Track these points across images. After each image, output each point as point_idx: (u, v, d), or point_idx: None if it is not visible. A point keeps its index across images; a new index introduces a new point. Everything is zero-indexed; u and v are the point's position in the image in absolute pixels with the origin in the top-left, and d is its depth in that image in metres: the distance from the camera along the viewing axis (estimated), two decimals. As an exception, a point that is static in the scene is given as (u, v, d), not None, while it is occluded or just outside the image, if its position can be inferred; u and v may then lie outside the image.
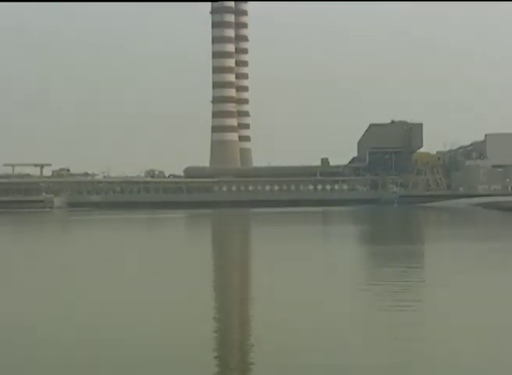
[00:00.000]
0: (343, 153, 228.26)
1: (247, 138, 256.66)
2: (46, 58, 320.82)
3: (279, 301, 33.85)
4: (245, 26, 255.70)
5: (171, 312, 30.96)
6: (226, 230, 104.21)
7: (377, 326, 27.05)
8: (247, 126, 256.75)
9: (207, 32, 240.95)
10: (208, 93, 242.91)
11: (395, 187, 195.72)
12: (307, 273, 46.03)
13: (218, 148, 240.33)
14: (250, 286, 42.34)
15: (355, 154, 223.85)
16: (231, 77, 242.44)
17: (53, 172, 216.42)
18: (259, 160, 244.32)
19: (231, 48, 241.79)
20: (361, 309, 31.11)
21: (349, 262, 52.44)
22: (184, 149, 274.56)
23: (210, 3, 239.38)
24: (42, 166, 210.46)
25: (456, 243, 68.53)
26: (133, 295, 35.90)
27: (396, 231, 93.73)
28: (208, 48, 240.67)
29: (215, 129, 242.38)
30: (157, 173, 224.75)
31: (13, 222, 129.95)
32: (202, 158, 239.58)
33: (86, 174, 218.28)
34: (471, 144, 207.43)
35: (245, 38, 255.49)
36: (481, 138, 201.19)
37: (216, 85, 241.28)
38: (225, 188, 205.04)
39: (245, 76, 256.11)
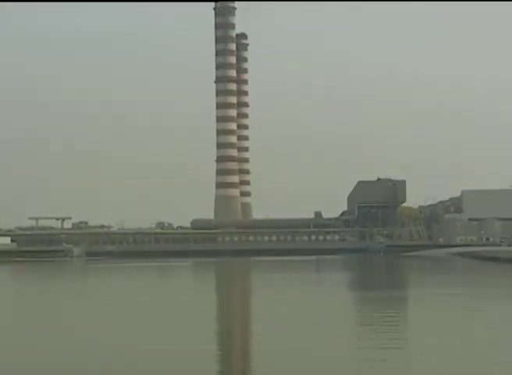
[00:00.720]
0: (334, 207, 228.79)
1: (247, 193, 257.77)
2: (66, 118, 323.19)
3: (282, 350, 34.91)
4: (246, 93, 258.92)
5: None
6: (231, 277, 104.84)
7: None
8: (247, 183, 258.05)
9: (211, 98, 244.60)
10: (212, 153, 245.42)
11: (381, 238, 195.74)
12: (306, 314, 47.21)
13: (221, 202, 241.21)
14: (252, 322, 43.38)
15: (345, 208, 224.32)
16: (233, 139, 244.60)
17: (73, 224, 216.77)
18: (258, 213, 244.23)
19: (233, 112, 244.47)
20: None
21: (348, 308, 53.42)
22: (191, 203, 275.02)
23: (214, 73, 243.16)
24: (63, 219, 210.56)
25: (438, 289, 69.47)
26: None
27: (382, 278, 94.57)
28: (212, 112, 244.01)
29: (219, 185, 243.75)
30: (166, 225, 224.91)
31: (39, 270, 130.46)
32: (207, 212, 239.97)
33: (102, 226, 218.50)
34: (449, 200, 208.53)
35: (246, 104, 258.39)
36: (458, 194, 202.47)
37: (220, 146, 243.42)
38: (228, 239, 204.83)
39: (246, 137, 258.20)
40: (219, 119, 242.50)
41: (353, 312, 50.97)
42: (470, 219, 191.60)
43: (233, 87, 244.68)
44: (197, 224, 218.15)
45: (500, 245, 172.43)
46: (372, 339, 35.92)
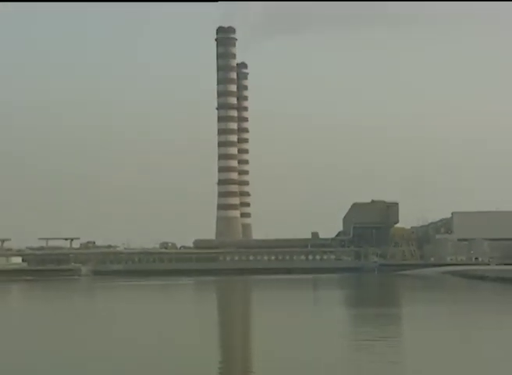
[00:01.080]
0: (330, 228, 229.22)
1: (247, 215, 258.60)
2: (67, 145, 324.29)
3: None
4: (246, 119, 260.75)
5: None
6: (234, 294, 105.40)
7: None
8: (247, 205, 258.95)
9: (213, 125, 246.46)
10: (214, 176, 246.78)
11: (375, 257, 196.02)
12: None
13: (222, 223, 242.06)
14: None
15: (341, 228, 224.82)
16: (234, 163, 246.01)
17: (81, 244, 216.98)
18: (258, 233, 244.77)
19: (234, 138, 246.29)
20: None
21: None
22: (193, 224, 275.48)
23: (216, 102, 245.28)
24: (71, 240, 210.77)
25: (430, 306, 70.27)
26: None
27: (379, 296, 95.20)
28: (214, 138, 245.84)
29: (220, 207, 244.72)
30: (170, 244, 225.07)
31: (51, 288, 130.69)
32: (209, 232, 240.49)
33: (109, 246, 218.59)
34: (440, 221, 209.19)
35: (246, 130, 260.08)
36: (449, 215, 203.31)
37: (221, 169, 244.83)
38: (229, 258, 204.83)
39: (245, 161, 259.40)
40: (220, 144, 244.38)
41: (355, 328, 51.73)
42: (459, 240, 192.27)
43: (234, 113, 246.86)
44: (200, 244, 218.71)
45: (489, 264, 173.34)
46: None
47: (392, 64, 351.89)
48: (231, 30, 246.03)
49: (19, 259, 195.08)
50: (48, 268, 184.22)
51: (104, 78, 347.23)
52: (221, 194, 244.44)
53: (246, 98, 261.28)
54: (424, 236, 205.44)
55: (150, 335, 45.92)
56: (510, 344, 41.04)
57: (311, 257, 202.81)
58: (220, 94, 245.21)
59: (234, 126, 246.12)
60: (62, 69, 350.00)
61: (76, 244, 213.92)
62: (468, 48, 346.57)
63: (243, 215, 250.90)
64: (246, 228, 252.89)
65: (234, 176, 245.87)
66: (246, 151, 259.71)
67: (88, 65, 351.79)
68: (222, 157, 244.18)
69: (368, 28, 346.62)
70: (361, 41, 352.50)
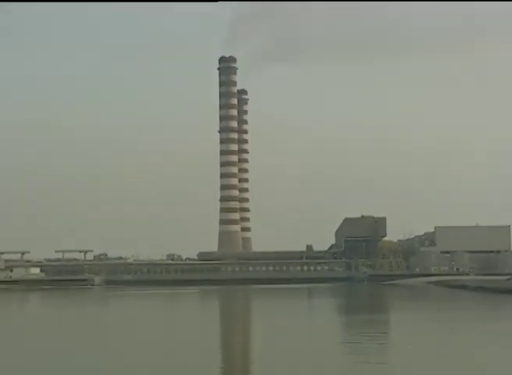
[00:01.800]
0: (323, 241, 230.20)
1: (247, 229, 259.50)
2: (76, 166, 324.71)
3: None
4: (246, 141, 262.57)
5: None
6: (236, 302, 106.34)
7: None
8: (247, 220, 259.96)
9: (216, 146, 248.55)
10: (216, 193, 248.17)
11: (365, 268, 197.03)
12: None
13: (224, 236, 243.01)
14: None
15: (333, 241, 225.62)
16: (235, 181, 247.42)
17: (94, 256, 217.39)
18: (257, 246, 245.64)
19: (235, 158, 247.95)
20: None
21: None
22: (197, 238, 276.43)
23: (218, 124, 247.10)
24: (85, 252, 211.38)
25: (416, 314, 71.47)
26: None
27: (368, 304, 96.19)
28: (216, 158, 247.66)
29: (222, 222, 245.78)
30: (176, 256, 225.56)
31: (68, 296, 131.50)
32: (212, 245, 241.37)
33: (120, 258, 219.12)
34: (424, 234, 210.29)
35: (246, 151, 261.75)
36: (432, 230, 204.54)
37: (223, 187, 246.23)
38: (230, 269, 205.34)
39: (246, 180, 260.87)
40: (222, 163, 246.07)
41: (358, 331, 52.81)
42: (442, 252, 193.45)
43: (235, 135, 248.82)
44: (203, 256, 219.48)
45: (469, 275, 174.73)
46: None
47: (389, 90, 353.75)
48: (232, 59, 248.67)
49: (37, 270, 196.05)
50: (63, 278, 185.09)
51: (105, 95, 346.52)
52: (223, 210, 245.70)
53: (246, 122, 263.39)
54: (410, 248, 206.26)
55: (167, 338, 47.25)
56: (485, 347, 42.58)
57: (305, 268, 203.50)
58: (222, 118, 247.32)
59: (235, 147, 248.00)
60: (62, 69, 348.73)
61: (89, 256, 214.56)
62: (465, 78, 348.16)
63: (243, 229, 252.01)
64: (246, 241, 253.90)
65: (235, 193, 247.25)
66: (246, 171, 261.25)
67: (88, 71, 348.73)
68: (224, 175, 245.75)
69: (367, 55, 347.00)
70: (360, 68, 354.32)
